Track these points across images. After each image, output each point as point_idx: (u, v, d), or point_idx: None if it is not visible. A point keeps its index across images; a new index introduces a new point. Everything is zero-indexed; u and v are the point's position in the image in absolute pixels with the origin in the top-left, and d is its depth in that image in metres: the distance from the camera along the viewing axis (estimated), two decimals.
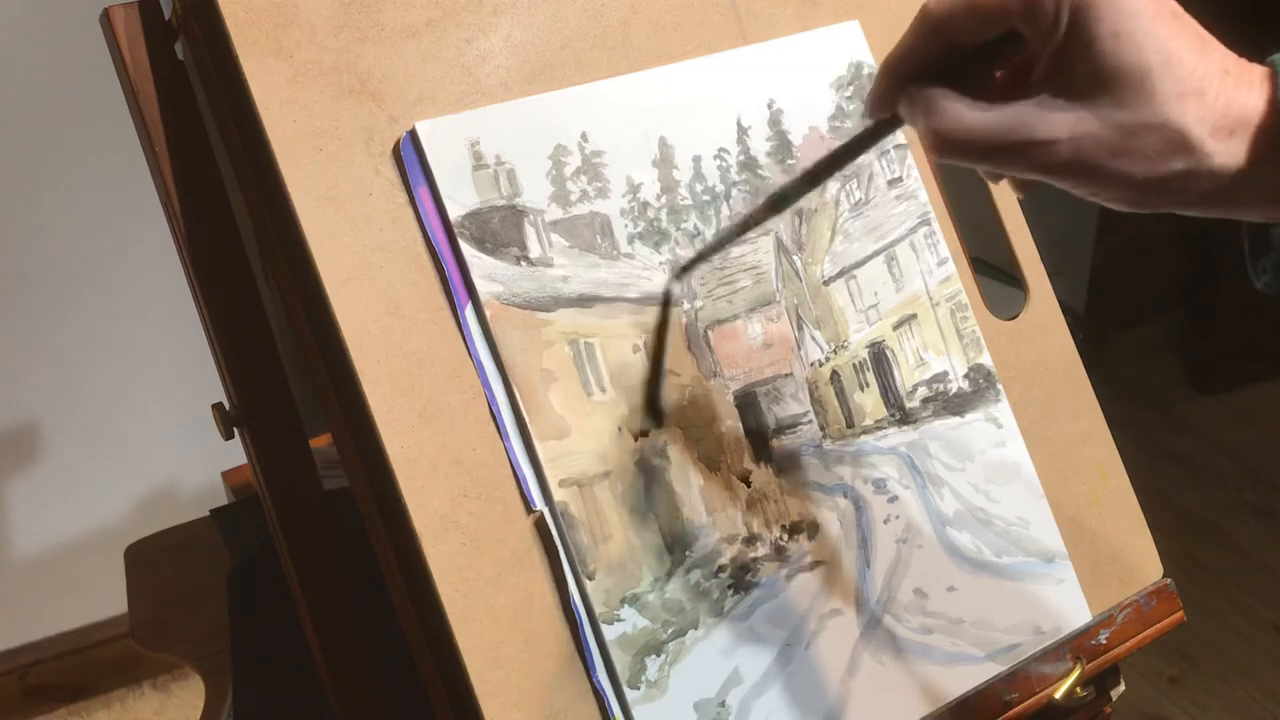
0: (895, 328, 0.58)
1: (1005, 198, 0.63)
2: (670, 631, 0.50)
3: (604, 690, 0.49)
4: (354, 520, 0.52)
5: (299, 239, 0.47)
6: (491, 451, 0.48)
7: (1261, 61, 0.37)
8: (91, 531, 1.53)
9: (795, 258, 0.56)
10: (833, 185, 0.58)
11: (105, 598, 1.56)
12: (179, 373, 1.49)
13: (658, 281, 0.53)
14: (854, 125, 0.59)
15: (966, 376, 0.59)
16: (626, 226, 0.52)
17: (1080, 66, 0.36)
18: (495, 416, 0.49)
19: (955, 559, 0.57)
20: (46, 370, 1.43)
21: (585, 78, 0.53)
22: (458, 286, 0.49)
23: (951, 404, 0.59)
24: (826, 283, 0.57)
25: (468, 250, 0.49)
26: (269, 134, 0.47)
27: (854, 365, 0.57)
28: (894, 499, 0.56)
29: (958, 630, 0.57)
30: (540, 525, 0.49)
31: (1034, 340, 0.62)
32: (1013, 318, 0.62)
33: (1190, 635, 1.58)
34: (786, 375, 0.55)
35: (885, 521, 0.56)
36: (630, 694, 0.49)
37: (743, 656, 0.51)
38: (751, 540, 0.53)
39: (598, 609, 0.49)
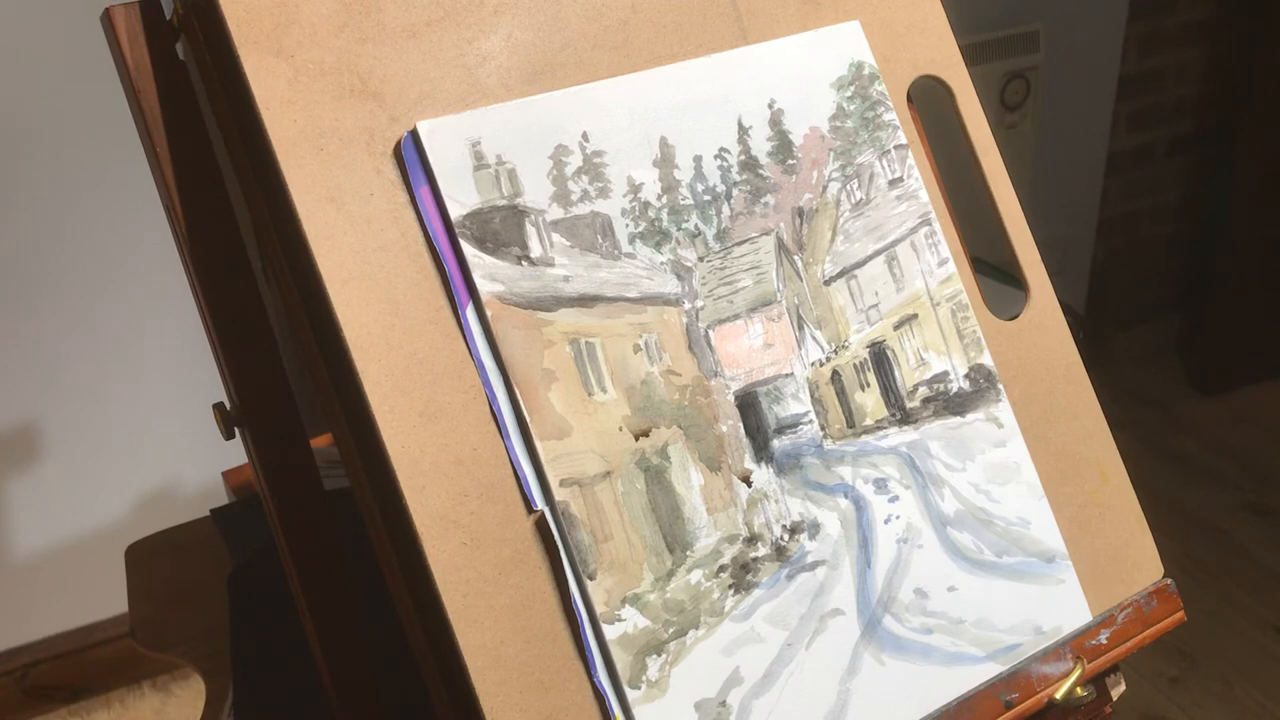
0: (896, 328, 0.58)
1: (1005, 198, 0.63)
2: (671, 631, 0.50)
3: (604, 690, 0.49)
4: (354, 520, 0.52)
5: (300, 239, 0.47)
6: (492, 451, 0.48)
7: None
8: (91, 531, 1.53)
9: (796, 257, 0.57)
10: (834, 185, 0.58)
11: (105, 598, 1.56)
12: (179, 373, 1.49)
13: (659, 281, 0.53)
14: (854, 125, 0.59)
15: (967, 376, 0.59)
16: (628, 226, 0.52)
17: None
18: (496, 416, 0.49)
19: (956, 559, 0.57)
20: (47, 370, 1.43)
21: (586, 78, 0.53)
22: (459, 286, 0.49)
23: (952, 404, 0.59)
24: (827, 283, 0.57)
25: (469, 250, 0.49)
26: (270, 134, 0.47)
27: (855, 365, 0.57)
28: (895, 499, 0.56)
29: (958, 630, 0.57)
30: (541, 525, 0.49)
31: (1034, 340, 0.62)
32: (1013, 318, 0.62)
33: (1190, 635, 1.58)
34: (787, 375, 0.55)
35: (886, 521, 0.56)
36: (631, 694, 0.49)
37: (743, 656, 0.51)
38: (752, 540, 0.53)
39: (598, 609, 0.49)
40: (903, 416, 0.58)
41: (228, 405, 0.55)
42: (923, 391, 0.58)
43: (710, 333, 0.54)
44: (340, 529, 0.55)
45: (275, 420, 0.54)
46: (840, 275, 0.58)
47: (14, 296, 1.38)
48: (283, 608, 0.57)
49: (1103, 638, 0.60)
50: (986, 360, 0.60)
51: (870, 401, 0.57)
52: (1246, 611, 1.64)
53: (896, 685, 0.55)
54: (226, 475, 0.93)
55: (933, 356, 0.59)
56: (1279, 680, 1.53)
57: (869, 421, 0.57)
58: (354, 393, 0.47)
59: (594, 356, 0.51)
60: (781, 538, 0.53)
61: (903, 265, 0.59)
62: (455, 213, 0.49)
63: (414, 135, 0.49)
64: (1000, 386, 0.60)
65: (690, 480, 0.52)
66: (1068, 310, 0.63)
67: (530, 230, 0.50)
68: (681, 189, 0.54)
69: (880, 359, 0.58)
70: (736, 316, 0.54)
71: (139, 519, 1.54)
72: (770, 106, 0.57)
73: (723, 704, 0.51)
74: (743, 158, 0.56)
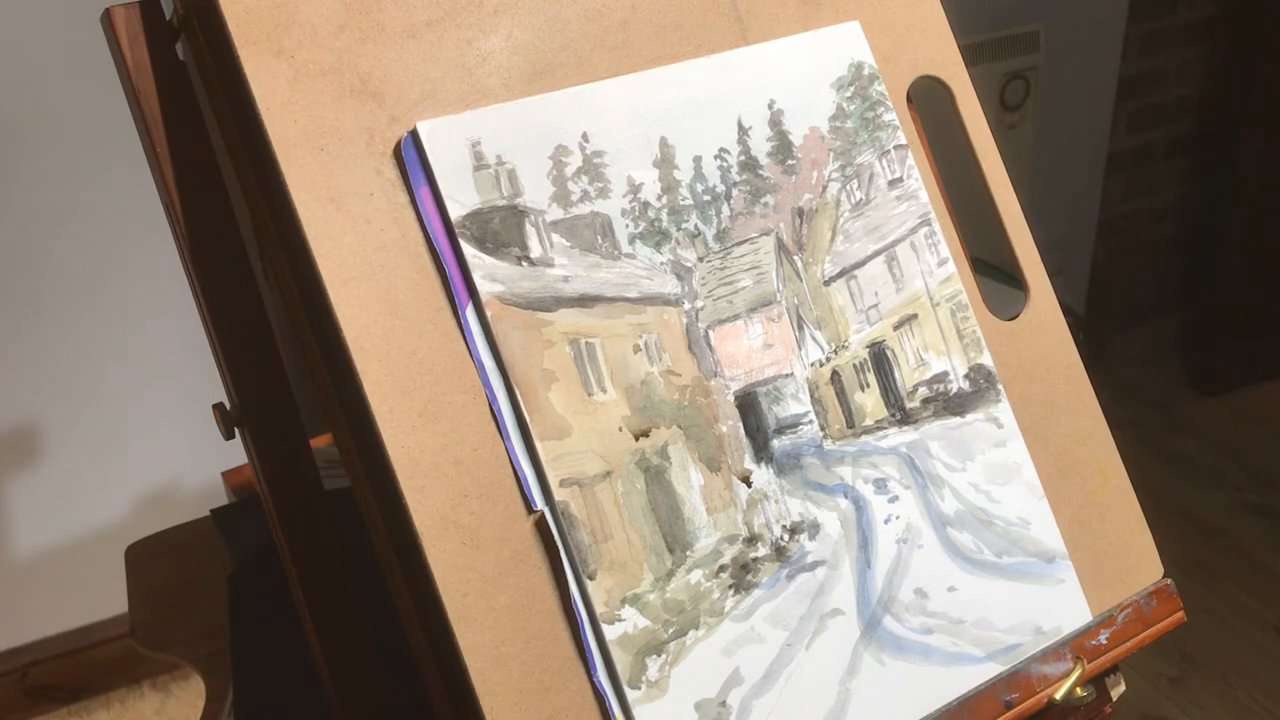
0: (896, 328, 0.58)
1: (1005, 198, 0.63)
2: (671, 631, 0.50)
3: (604, 690, 0.49)
4: (354, 520, 0.52)
5: (300, 239, 0.47)
6: (492, 451, 0.48)
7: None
8: (91, 531, 1.53)
9: (796, 258, 0.57)
10: (833, 186, 0.58)
11: (105, 598, 1.56)
12: (179, 373, 1.49)
13: (659, 281, 0.53)
14: (854, 125, 0.59)
15: (967, 377, 0.59)
16: (627, 226, 0.52)
17: None
18: (496, 416, 0.49)
19: (956, 559, 0.57)
20: (47, 370, 1.43)
21: (586, 78, 0.53)
22: (459, 286, 0.49)
23: (952, 404, 0.59)
24: (827, 283, 0.57)
25: (469, 250, 0.49)
26: (270, 134, 0.47)
27: (854, 365, 0.57)
28: (894, 499, 0.56)
29: (958, 630, 0.57)
30: (541, 525, 0.49)
31: (1034, 340, 0.62)
32: (1013, 318, 0.62)
33: (1190, 635, 1.58)
34: (787, 375, 0.55)
35: (886, 521, 0.56)
36: (631, 694, 0.49)
37: (743, 656, 0.51)
38: (752, 540, 0.53)
39: (598, 609, 0.49)
40: (902, 417, 0.58)
41: (228, 405, 0.55)
42: (922, 392, 0.58)
43: (710, 333, 0.54)
44: (340, 529, 0.55)
45: (275, 420, 0.54)
46: (840, 275, 0.58)
47: (14, 296, 1.38)
48: (283, 608, 0.57)
49: (1103, 638, 0.60)
50: (986, 360, 0.60)
51: (870, 402, 0.57)
52: (1246, 611, 1.64)
53: (896, 685, 0.55)
54: (226, 475, 0.93)
55: (932, 357, 0.59)
56: (1279, 680, 1.53)
57: (869, 422, 0.57)
58: (354, 393, 0.47)
59: (594, 357, 0.51)
60: (781, 538, 0.53)
61: (902, 265, 0.59)
62: (455, 213, 0.49)
63: (414, 135, 0.49)
64: (1000, 387, 0.60)
65: (690, 480, 0.52)
66: (1068, 310, 0.63)
67: (530, 230, 0.50)
68: (681, 189, 0.54)
69: (880, 359, 0.58)
70: (736, 317, 0.54)
71: (139, 519, 1.54)
72: (770, 107, 0.57)
73: (723, 704, 0.51)
74: (742, 158, 0.56)
